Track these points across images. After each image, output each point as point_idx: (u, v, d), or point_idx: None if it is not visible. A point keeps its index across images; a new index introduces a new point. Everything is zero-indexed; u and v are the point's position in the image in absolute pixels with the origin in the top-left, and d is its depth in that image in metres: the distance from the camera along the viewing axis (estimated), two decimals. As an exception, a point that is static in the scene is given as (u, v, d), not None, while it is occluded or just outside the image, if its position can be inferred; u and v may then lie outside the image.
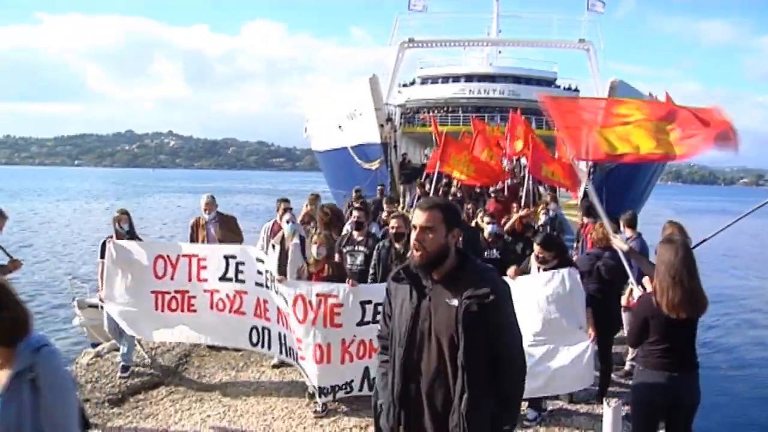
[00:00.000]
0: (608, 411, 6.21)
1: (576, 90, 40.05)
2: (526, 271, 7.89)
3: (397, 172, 28.40)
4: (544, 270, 7.49)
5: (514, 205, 16.07)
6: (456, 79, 40.56)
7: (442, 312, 3.51)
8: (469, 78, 40.20)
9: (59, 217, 52.79)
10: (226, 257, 8.37)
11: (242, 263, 8.27)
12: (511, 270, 7.65)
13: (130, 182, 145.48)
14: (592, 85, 37.17)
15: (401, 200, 26.32)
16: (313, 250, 7.99)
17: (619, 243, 7.33)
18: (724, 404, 10.45)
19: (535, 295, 7.21)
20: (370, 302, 7.35)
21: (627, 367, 9.54)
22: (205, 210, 10.73)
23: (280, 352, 8.17)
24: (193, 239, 10.61)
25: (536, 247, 7.67)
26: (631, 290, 9.49)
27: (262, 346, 8.33)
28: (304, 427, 7.40)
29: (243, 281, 8.24)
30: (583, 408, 8.10)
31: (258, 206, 62.93)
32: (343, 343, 7.38)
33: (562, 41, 39.44)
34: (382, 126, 27.53)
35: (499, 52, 43.30)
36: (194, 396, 8.40)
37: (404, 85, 41.20)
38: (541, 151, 18.47)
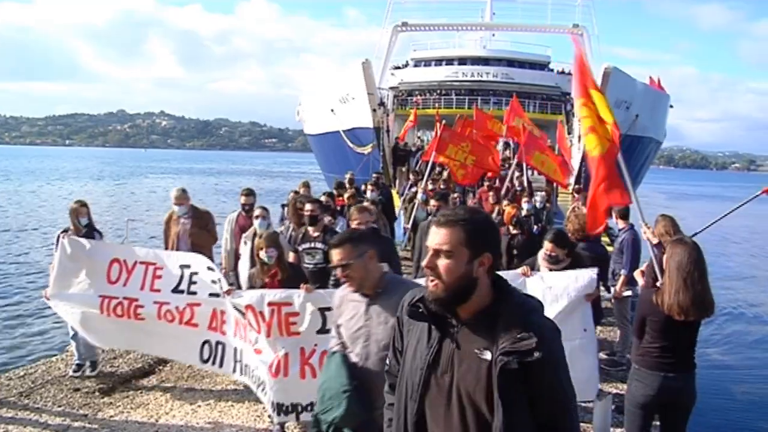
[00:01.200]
0: (599, 404, 6.24)
1: (569, 74, 39.92)
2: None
3: (389, 157, 28.36)
4: (553, 269, 6.87)
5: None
6: (449, 61, 40.42)
7: (470, 365, 2.57)
8: (463, 61, 40.06)
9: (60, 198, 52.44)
10: (182, 267, 7.59)
11: (196, 273, 7.46)
12: (524, 268, 6.96)
13: (122, 162, 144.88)
14: (585, 69, 37.06)
15: (395, 184, 26.33)
16: (261, 255, 7.10)
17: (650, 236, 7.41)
18: (720, 405, 10.46)
19: (560, 295, 6.54)
20: (330, 309, 5.88)
21: (603, 355, 9.55)
22: (176, 203, 9.93)
23: (233, 370, 7.22)
24: (167, 235, 9.99)
25: (547, 245, 6.93)
26: (623, 282, 9.57)
27: (213, 363, 7.35)
28: (295, 417, 7.31)
29: (195, 293, 7.35)
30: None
31: (258, 188, 62.79)
32: (303, 353, 6.50)
33: (556, 26, 39.42)
34: (374, 110, 27.42)
35: (493, 35, 43.16)
36: (185, 385, 8.37)
37: (397, 68, 41.04)
38: (535, 138, 18.37)
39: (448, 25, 40.82)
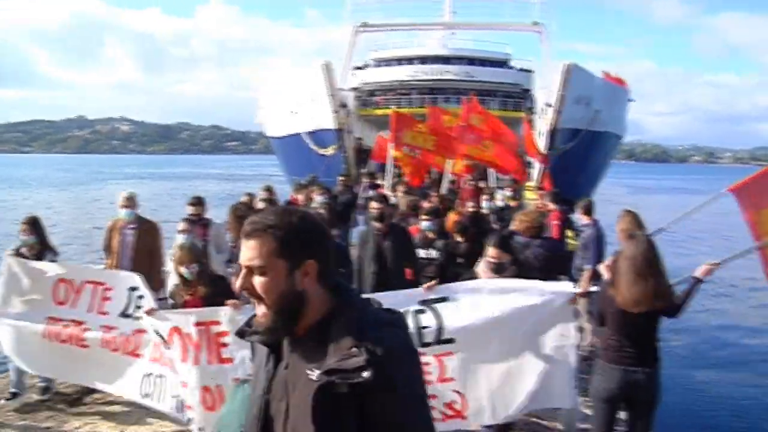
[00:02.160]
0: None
1: (530, 71, 40.19)
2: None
3: (353, 158, 28.32)
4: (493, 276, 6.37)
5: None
6: (410, 61, 40.37)
7: (302, 389, 2.09)
8: (423, 60, 40.03)
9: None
10: (131, 288, 6.94)
11: (142, 297, 6.82)
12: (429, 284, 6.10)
13: (82, 169, 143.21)
14: (544, 66, 37.45)
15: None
16: (182, 270, 6.59)
17: None
18: (687, 399, 10.53)
19: (525, 302, 5.86)
20: None
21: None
22: (122, 206, 9.20)
23: (174, 408, 6.43)
24: (108, 246, 9.21)
25: (492, 251, 6.45)
26: (588, 277, 9.59)
27: (152, 399, 6.65)
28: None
29: (140, 318, 6.63)
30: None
31: (212, 192, 62.59)
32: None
33: (515, 24, 39.54)
34: (336, 112, 27.37)
35: (453, 33, 43.25)
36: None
37: (358, 68, 40.94)
38: (473, 130, 17.92)
39: (408, 24, 40.82)
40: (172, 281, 7.44)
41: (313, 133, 29.45)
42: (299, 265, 2.10)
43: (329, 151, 27.99)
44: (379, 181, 17.79)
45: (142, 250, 9.02)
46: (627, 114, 37.83)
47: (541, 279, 8.00)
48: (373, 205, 8.87)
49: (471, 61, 39.90)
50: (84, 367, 7.06)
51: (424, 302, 5.81)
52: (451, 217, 10.22)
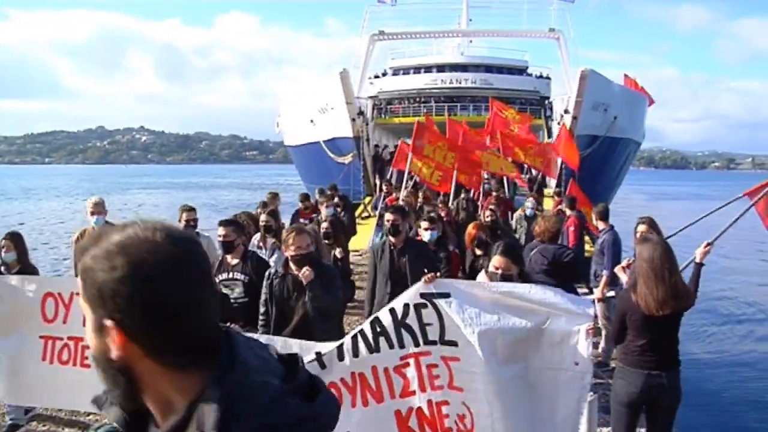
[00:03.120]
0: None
1: (548, 78, 40.17)
2: None
3: (370, 166, 28.42)
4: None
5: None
6: (428, 69, 40.40)
7: None
8: (441, 68, 40.05)
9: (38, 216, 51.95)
10: None
11: None
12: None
13: (101, 179, 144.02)
14: (563, 73, 37.42)
15: (375, 193, 26.32)
16: None
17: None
18: (709, 403, 10.49)
19: (536, 316, 5.25)
20: None
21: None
22: (92, 212, 8.70)
23: None
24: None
25: (498, 259, 5.79)
26: (605, 282, 9.62)
27: None
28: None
29: None
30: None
31: (230, 199, 62.78)
32: None
33: (532, 31, 39.62)
34: (353, 120, 27.49)
35: (470, 41, 43.28)
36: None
37: (376, 77, 41.05)
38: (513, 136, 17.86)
39: (424, 32, 40.93)
40: None
41: (330, 142, 29.57)
42: (101, 325, 1.40)
43: (347, 159, 28.09)
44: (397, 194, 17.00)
45: None
46: (645, 120, 37.73)
47: (555, 283, 8.10)
48: (388, 216, 8.05)
49: (489, 68, 39.89)
50: (90, 390, 5.74)
51: (424, 296, 5.34)
52: (470, 230, 9.52)
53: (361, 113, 28.56)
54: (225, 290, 6.97)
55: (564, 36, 38.00)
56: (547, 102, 36.79)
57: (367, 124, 29.36)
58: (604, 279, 9.61)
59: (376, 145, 31.13)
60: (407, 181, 17.86)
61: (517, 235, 13.10)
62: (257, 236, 9.72)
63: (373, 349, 5.27)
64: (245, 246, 7.90)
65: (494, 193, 16.27)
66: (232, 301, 6.94)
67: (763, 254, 29.20)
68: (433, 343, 5.27)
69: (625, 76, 34.10)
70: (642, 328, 5.29)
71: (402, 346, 5.27)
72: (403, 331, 5.29)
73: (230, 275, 7.12)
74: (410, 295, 5.38)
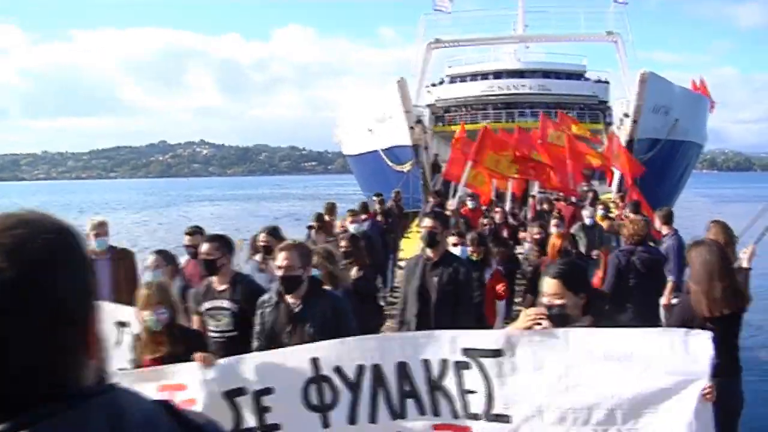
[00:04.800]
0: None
1: (606, 82, 39.75)
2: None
3: (429, 174, 28.49)
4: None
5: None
6: (485, 76, 40.30)
7: None
8: (498, 74, 39.93)
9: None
10: (119, 324, 5.56)
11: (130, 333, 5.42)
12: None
13: (163, 192, 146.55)
14: (621, 76, 37.02)
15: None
16: (146, 316, 4.95)
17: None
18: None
19: (631, 380, 3.75)
20: (241, 392, 4.25)
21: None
22: (94, 234, 7.83)
23: None
24: None
25: (549, 283, 4.02)
26: (671, 288, 9.50)
27: None
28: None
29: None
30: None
31: (289, 211, 63.33)
32: None
33: (590, 34, 39.21)
34: (412, 128, 27.57)
35: (527, 47, 43.07)
36: None
37: (433, 85, 41.10)
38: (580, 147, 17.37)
39: (481, 39, 40.82)
40: (131, 331, 5.46)
41: (389, 150, 29.71)
42: None
43: (406, 167, 28.18)
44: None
45: (120, 282, 7.51)
46: (707, 122, 37.12)
47: (645, 283, 8.09)
48: (426, 222, 6.85)
49: (546, 74, 39.64)
50: None
51: (468, 352, 3.99)
52: (554, 242, 8.90)
53: (419, 121, 28.66)
54: (211, 321, 5.96)
55: (622, 38, 37.59)
56: (606, 106, 36.44)
57: (425, 132, 29.43)
58: (669, 285, 9.50)
59: (436, 154, 31.20)
60: (455, 190, 17.42)
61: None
62: (257, 257, 8.29)
63: (398, 413, 4.12)
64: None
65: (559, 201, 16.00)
66: (218, 334, 5.89)
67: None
68: (475, 417, 4.02)
69: (693, 82, 33.55)
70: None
71: (437, 413, 4.05)
72: (439, 396, 4.04)
73: (215, 303, 6.00)
74: (448, 345, 4.07)
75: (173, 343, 4.86)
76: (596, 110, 36.60)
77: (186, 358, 4.53)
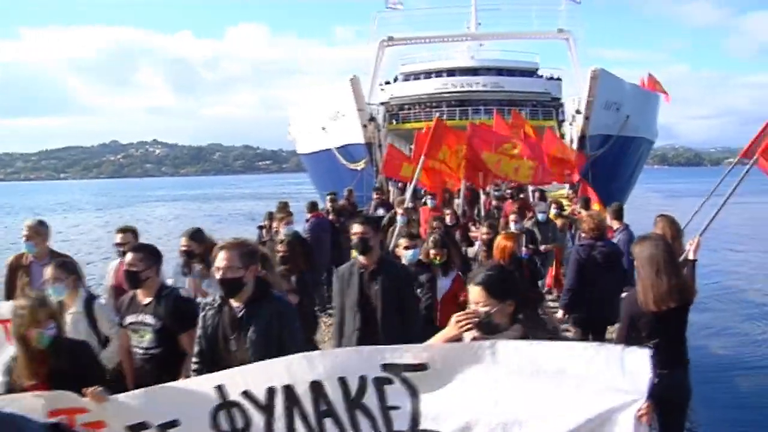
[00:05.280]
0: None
1: (559, 79, 40.07)
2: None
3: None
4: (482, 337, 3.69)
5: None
6: (438, 73, 40.41)
7: None
8: (452, 72, 40.07)
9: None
10: None
11: None
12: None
13: (115, 193, 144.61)
14: (573, 73, 37.37)
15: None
16: (33, 334, 4.35)
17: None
18: (717, 399, 10.41)
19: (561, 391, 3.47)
20: (144, 426, 3.87)
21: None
22: (27, 240, 7.25)
23: None
24: (11, 288, 7.13)
25: (474, 291, 3.76)
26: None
27: None
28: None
29: None
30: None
31: (243, 210, 62.89)
32: None
33: (541, 32, 39.61)
34: (365, 126, 27.59)
35: (480, 44, 43.25)
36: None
37: (387, 83, 41.12)
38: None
39: (433, 37, 40.97)
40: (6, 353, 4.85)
41: (343, 148, 29.63)
42: None
43: (360, 165, 28.13)
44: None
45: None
46: (657, 118, 37.61)
47: (607, 276, 8.05)
48: (355, 229, 6.10)
49: (499, 71, 39.86)
50: None
51: (388, 367, 3.74)
52: (501, 242, 8.36)
53: (372, 119, 28.65)
54: (134, 336, 5.51)
55: (573, 36, 38.04)
56: (558, 102, 36.77)
57: (379, 131, 29.42)
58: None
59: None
60: (403, 189, 17.08)
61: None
62: (179, 262, 7.72)
63: None
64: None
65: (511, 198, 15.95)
66: (141, 350, 5.45)
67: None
68: None
69: (650, 75, 33.93)
70: (650, 326, 5.31)
71: (357, 431, 3.81)
72: (358, 413, 3.80)
73: (139, 317, 5.52)
74: (367, 362, 3.81)
75: (58, 357, 4.37)
76: (549, 107, 36.86)
77: (73, 373, 4.19)
